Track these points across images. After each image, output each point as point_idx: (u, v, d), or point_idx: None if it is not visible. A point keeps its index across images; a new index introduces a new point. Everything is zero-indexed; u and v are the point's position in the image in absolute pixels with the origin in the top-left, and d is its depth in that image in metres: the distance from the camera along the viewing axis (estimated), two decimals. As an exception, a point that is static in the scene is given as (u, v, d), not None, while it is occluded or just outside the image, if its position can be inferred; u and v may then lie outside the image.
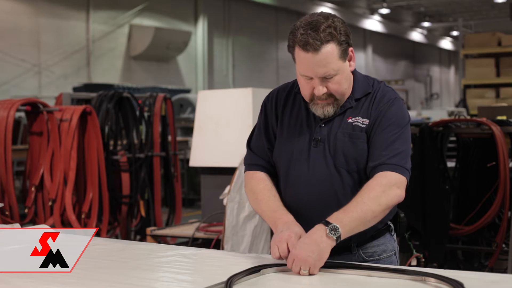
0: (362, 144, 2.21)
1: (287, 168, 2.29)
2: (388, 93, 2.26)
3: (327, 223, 2.04)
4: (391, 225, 2.36)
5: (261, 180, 2.35)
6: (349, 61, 2.22)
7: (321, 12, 2.20)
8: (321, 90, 2.18)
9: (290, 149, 2.28)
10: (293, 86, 2.36)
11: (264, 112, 2.40)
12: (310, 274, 1.98)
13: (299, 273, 1.99)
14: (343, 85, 2.20)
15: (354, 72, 2.30)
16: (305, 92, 2.23)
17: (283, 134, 2.32)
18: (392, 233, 2.36)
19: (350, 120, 2.23)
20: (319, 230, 2.04)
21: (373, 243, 2.30)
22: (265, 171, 2.37)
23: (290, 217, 2.19)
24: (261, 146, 2.39)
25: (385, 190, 2.12)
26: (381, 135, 2.20)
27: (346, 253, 2.25)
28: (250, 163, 2.41)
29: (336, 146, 2.22)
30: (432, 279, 1.88)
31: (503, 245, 4.73)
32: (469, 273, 2.00)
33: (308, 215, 2.22)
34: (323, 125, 2.25)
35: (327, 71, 2.15)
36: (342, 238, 2.04)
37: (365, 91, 2.27)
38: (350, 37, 2.19)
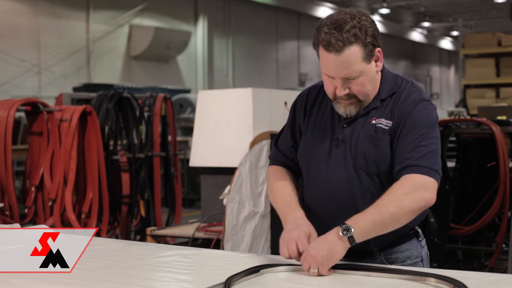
0: (384, 147, 2.14)
1: (308, 168, 2.28)
2: (414, 94, 2.18)
3: (342, 224, 2.01)
4: (419, 230, 2.27)
5: (280, 175, 2.35)
6: (376, 61, 2.16)
7: (350, 10, 2.12)
8: (342, 91, 2.13)
9: (312, 148, 2.26)
10: (323, 86, 2.30)
11: (293, 111, 2.38)
12: (319, 275, 1.97)
13: (309, 271, 1.97)
14: (366, 87, 2.14)
15: (383, 71, 2.23)
16: (328, 90, 2.20)
17: (308, 133, 2.30)
18: (420, 239, 2.27)
19: (373, 122, 2.17)
20: (334, 231, 2.02)
21: (396, 249, 2.22)
22: (287, 167, 2.37)
23: (300, 213, 2.17)
24: (286, 144, 2.38)
25: (409, 192, 2.04)
26: (406, 137, 2.12)
27: (368, 257, 2.19)
28: (274, 159, 2.42)
29: (357, 148, 2.17)
30: (432, 279, 1.88)
31: (503, 245, 4.73)
32: (469, 273, 2.00)
33: (325, 215, 2.20)
34: (345, 125, 2.21)
35: (349, 73, 2.09)
36: (358, 240, 2.00)
37: (391, 90, 2.20)
38: (378, 37, 2.12)
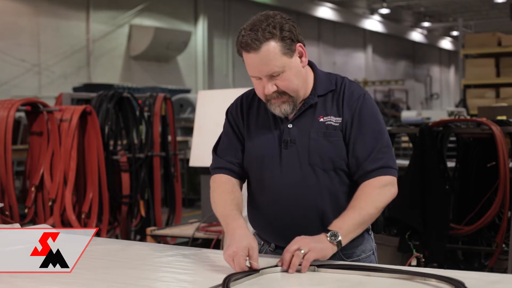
0: (338, 142, 2.21)
1: (260, 174, 2.28)
2: (356, 90, 2.26)
3: (326, 231, 2.07)
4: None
5: (221, 183, 2.33)
6: (300, 57, 2.21)
7: (266, 12, 2.20)
8: (270, 88, 2.18)
9: (260, 154, 2.27)
10: None
11: (229, 119, 2.40)
12: (297, 271, 1.99)
13: (292, 258, 1.99)
14: (293, 82, 2.19)
15: (314, 69, 2.30)
16: (259, 92, 2.24)
17: (251, 138, 2.31)
18: (370, 233, 2.37)
19: (322, 120, 2.23)
20: (320, 236, 2.07)
21: (352, 244, 2.27)
22: (229, 173, 2.35)
23: (238, 223, 2.15)
24: (227, 148, 2.36)
25: (381, 192, 2.16)
26: (365, 137, 2.20)
27: None
28: (215, 167, 2.39)
29: (310, 146, 2.21)
30: (433, 279, 1.88)
31: (503, 245, 4.73)
32: (469, 273, 2.00)
33: (284, 217, 2.22)
34: (290, 126, 2.24)
35: (271, 69, 2.15)
36: (344, 243, 2.08)
37: (328, 87, 2.27)
38: (296, 32, 2.18)
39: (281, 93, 2.19)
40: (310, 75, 2.28)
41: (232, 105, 2.43)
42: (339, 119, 2.22)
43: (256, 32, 2.12)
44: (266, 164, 2.26)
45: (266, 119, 2.29)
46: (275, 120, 2.27)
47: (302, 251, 1.99)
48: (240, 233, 2.10)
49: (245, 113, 2.35)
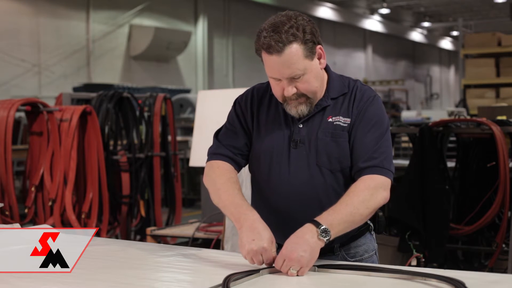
0: (345, 143, 2.21)
1: (267, 171, 2.27)
2: (367, 92, 2.26)
3: (317, 224, 2.02)
4: (371, 224, 2.36)
5: (225, 171, 2.29)
6: (319, 59, 2.21)
7: (287, 12, 2.18)
8: (290, 91, 2.16)
9: (269, 151, 2.26)
10: (268, 87, 2.33)
11: (236, 110, 2.37)
12: (297, 275, 1.98)
13: (287, 273, 1.98)
14: (313, 84, 2.19)
15: (328, 71, 2.29)
16: (276, 94, 2.23)
17: (260, 135, 2.30)
18: (372, 233, 2.37)
19: (330, 120, 2.22)
20: (310, 230, 2.02)
21: (355, 244, 2.30)
22: (230, 162, 2.33)
23: (254, 215, 2.13)
24: (230, 137, 2.35)
25: (373, 193, 2.12)
26: (366, 136, 2.19)
27: (329, 254, 2.25)
28: (215, 153, 2.35)
29: (318, 146, 2.21)
30: (433, 279, 1.88)
31: (503, 245, 4.73)
32: (469, 273, 2.00)
33: (290, 217, 2.21)
34: (301, 126, 2.24)
35: (293, 72, 2.13)
36: (331, 239, 2.04)
37: (341, 90, 2.26)
38: (317, 35, 2.18)
39: (299, 95, 2.18)
40: (325, 76, 2.28)
41: (241, 96, 2.40)
42: (348, 120, 2.22)
43: (279, 34, 2.10)
44: (274, 162, 2.25)
45: (277, 116, 2.28)
46: (286, 118, 2.26)
47: (294, 271, 1.97)
48: (259, 226, 2.09)
49: (256, 107, 2.33)
